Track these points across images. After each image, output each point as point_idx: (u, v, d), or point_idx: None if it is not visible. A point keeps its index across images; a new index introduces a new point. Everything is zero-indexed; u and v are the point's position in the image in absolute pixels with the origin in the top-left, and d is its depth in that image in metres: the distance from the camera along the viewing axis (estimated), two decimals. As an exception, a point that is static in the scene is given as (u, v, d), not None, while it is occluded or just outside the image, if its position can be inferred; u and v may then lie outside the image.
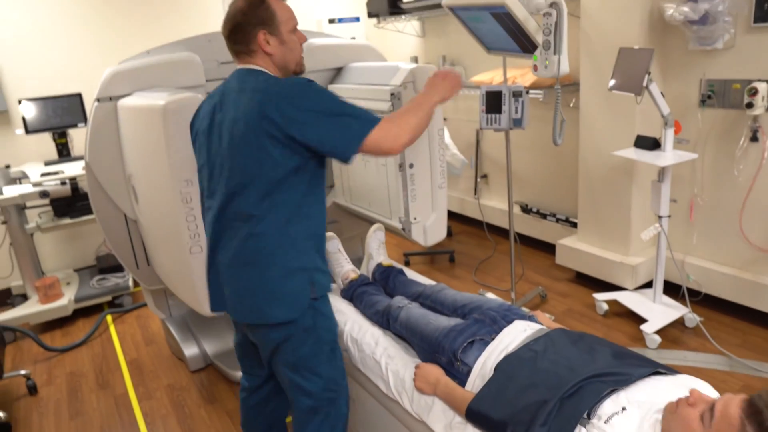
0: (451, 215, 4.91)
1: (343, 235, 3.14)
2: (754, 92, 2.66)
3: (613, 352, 1.48)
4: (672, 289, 3.10)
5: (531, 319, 1.77)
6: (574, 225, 3.70)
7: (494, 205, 4.38)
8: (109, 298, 3.75)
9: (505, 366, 1.50)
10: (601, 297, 3.20)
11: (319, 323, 1.65)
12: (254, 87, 1.54)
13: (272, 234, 1.56)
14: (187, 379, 2.91)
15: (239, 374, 2.72)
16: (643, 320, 2.92)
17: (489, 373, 1.53)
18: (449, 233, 4.59)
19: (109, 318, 3.67)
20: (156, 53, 2.53)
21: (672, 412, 1.21)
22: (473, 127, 4.40)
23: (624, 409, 1.28)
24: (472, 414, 1.46)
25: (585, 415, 1.29)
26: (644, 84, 2.61)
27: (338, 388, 1.72)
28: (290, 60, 1.66)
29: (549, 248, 3.93)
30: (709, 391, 1.40)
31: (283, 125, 1.47)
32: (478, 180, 4.43)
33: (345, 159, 1.54)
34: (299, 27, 1.69)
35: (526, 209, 4.13)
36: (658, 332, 2.86)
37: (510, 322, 1.71)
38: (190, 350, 2.91)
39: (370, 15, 4.38)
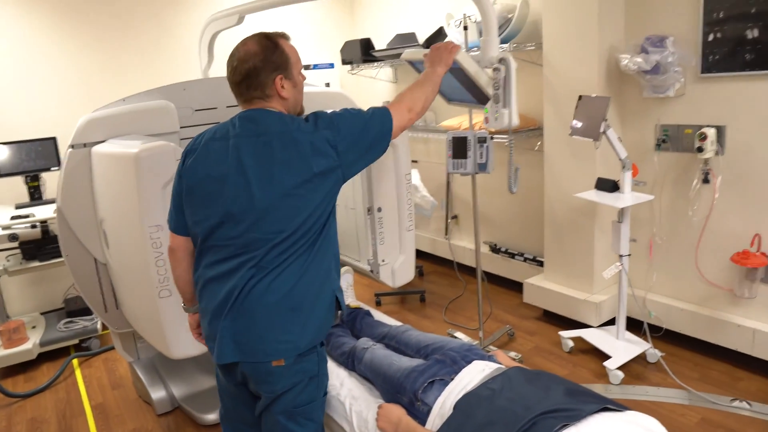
0: (423, 255, 4.99)
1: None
2: (703, 137, 2.82)
3: (566, 389, 1.54)
4: (635, 326, 3.19)
5: (490, 359, 1.83)
6: (541, 264, 3.80)
7: (465, 245, 4.47)
8: (76, 341, 3.69)
9: (463, 405, 1.55)
10: (567, 334, 3.27)
11: (322, 370, 1.68)
12: (287, 129, 1.54)
13: (317, 270, 1.59)
14: (154, 422, 2.87)
15: (208, 417, 2.72)
16: (606, 356, 2.99)
17: (448, 411, 1.58)
18: (420, 273, 4.65)
19: (75, 362, 3.61)
20: (131, 101, 2.59)
21: None
22: (444, 170, 4.52)
23: (574, 444, 1.34)
24: (431, 453, 1.50)
25: (538, 452, 1.34)
26: (601, 130, 2.76)
27: (323, 430, 1.76)
28: (298, 102, 1.67)
29: (517, 287, 4.01)
30: (656, 427, 1.46)
31: (337, 160, 1.54)
32: (449, 221, 4.53)
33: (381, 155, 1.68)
34: None
35: (495, 249, 4.23)
36: (622, 368, 2.93)
37: (469, 362, 1.76)
38: (157, 393, 2.88)
39: (344, 62, 4.52)
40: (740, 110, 2.77)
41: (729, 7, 2.68)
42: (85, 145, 2.44)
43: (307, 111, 3.14)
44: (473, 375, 1.68)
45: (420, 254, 5.03)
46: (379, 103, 5.40)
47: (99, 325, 3.77)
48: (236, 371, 1.65)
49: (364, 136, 1.59)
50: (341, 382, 1.95)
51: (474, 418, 1.49)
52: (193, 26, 4.49)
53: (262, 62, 1.55)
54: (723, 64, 2.77)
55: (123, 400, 3.13)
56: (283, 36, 1.63)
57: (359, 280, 4.61)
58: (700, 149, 2.84)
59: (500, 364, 1.80)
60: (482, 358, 1.82)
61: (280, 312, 1.54)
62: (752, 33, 2.64)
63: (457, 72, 1.91)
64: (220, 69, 4.01)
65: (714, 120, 2.87)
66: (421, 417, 1.67)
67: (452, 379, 1.70)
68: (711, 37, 2.78)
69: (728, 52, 2.74)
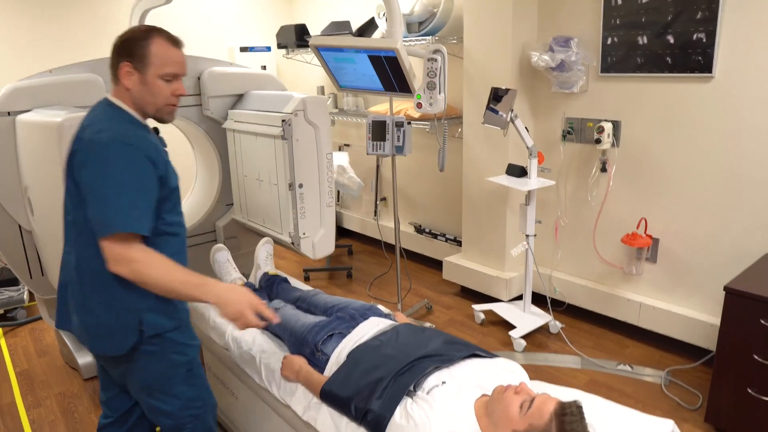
0: (354, 235, 5.20)
1: (241, 249, 3.33)
2: (601, 130, 3.12)
3: (445, 340, 1.77)
4: (543, 300, 3.50)
5: (387, 316, 2.05)
6: (460, 243, 4.07)
7: (392, 226, 4.67)
8: (1, 311, 3.70)
9: (354, 353, 1.76)
10: (479, 308, 3.55)
11: (168, 348, 1.63)
12: (89, 132, 1.55)
13: (109, 288, 1.55)
14: (80, 387, 2.96)
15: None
16: (514, 328, 3.28)
17: (343, 360, 1.79)
18: (350, 252, 4.86)
19: None
20: (58, 73, 2.64)
21: (500, 392, 1.45)
22: (375, 153, 4.72)
23: (444, 382, 1.56)
24: (324, 394, 1.70)
25: (412, 388, 1.56)
26: (508, 120, 3.01)
27: (203, 404, 1.75)
28: (148, 103, 1.60)
29: (439, 265, 4.27)
30: (520, 373, 1.71)
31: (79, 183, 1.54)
32: (378, 202, 4.74)
33: (100, 237, 1.49)
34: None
35: (419, 230, 4.47)
36: (526, 338, 3.23)
37: (366, 318, 1.98)
38: (83, 358, 2.96)
39: (280, 46, 4.62)
40: (633, 108, 3.08)
41: (624, 15, 2.97)
42: (9, 113, 2.47)
43: (237, 91, 3.22)
44: (368, 329, 1.89)
45: (350, 234, 5.24)
46: (313, 86, 5.45)
47: (26, 296, 3.79)
48: None
49: (93, 178, 1.50)
50: (253, 339, 2.12)
51: (362, 364, 1.70)
52: (123, 1, 4.48)
53: (120, 45, 1.57)
54: (619, 66, 3.07)
55: (49, 366, 3.19)
56: (171, 40, 1.60)
57: (290, 256, 4.77)
58: (598, 141, 3.13)
59: (395, 321, 2.02)
60: (379, 315, 2.03)
61: (77, 309, 1.61)
62: (642, 39, 2.94)
63: (382, 62, 2.07)
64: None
65: (611, 115, 3.17)
66: (320, 366, 1.86)
67: (349, 332, 1.90)
68: (609, 41, 3.07)
69: (623, 55, 3.03)
